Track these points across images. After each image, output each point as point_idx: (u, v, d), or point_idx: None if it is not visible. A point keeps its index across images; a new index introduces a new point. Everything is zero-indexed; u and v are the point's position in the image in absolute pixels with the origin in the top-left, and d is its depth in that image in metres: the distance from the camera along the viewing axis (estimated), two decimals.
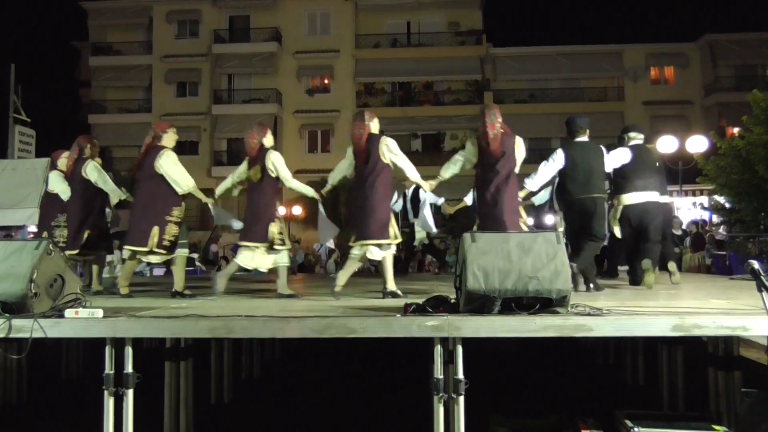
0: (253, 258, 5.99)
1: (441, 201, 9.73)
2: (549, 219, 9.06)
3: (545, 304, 3.97)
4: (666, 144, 17.24)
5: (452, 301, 4.26)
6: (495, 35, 34.14)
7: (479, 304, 3.99)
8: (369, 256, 5.80)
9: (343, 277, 5.78)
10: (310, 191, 6.29)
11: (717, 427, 4.22)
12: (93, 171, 6.49)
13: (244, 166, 6.19)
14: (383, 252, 5.75)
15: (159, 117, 32.17)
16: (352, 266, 5.92)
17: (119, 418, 4.02)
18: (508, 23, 54.05)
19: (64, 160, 6.87)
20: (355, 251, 5.84)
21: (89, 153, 6.62)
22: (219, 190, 6.50)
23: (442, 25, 34.13)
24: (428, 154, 30.98)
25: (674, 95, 32.48)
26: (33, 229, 8.71)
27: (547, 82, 33.72)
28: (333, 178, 6.21)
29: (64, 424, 5.71)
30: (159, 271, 14.70)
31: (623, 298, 5.41)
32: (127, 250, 5.97)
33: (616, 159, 6.56)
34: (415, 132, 33.14)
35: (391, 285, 5.70)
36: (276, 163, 5.98)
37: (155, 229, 5.82)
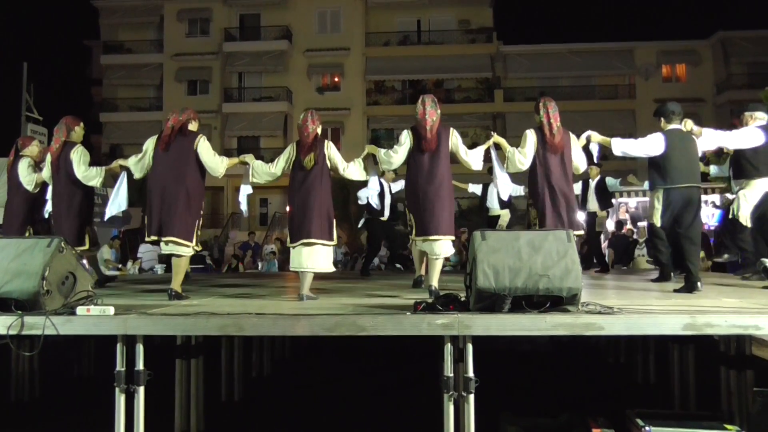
0: None
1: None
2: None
3: (556, 302, 3.96)
4: None
5: (462, 299, 4.25)
6: (505, 33, 33.98)
7: (489, 302, 3.98)
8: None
9: None
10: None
11: (729, 427, 4.20)
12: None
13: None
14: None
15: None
16: None
17: (130, 415, 4.05)
18: (519, 21, 53.73)
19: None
20: None
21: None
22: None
23: (453, 23, 34.03)
24: None
25: (686, 93, 32.12)
26: None
27: (558, 80, 33.52)
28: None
29: (76, 421, 5.74)
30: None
31: (634, 296, 5.38)
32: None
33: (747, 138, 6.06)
34: None
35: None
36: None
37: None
